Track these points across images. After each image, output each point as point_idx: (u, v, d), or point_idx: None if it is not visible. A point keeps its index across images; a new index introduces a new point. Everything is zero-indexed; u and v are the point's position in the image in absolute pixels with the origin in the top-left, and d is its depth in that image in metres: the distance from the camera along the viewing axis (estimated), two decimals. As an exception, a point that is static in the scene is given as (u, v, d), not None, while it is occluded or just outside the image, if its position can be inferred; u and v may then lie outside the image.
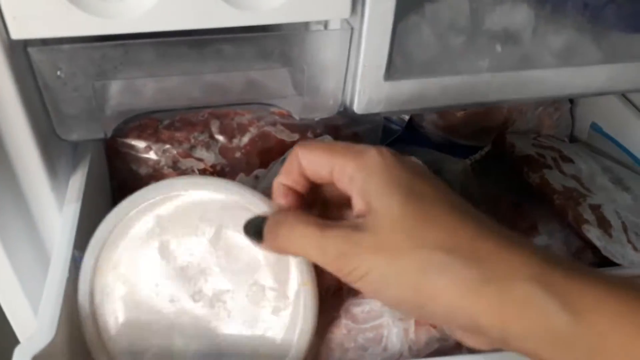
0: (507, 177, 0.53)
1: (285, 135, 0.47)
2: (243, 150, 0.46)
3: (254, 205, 0.32)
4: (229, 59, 0.35)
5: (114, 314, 0.33)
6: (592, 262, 0.46)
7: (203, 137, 0.46)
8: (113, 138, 0.43)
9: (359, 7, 0.34)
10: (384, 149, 0.27)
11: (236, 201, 0.33)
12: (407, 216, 0.24)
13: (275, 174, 0.31)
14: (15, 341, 0.35)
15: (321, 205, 0.31)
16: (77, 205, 0.36)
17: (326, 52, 0.36)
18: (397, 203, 0.25)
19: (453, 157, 0.51)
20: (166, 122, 0.45)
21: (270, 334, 0.33)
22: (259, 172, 0.46)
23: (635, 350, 0.21)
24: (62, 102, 0.34)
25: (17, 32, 0.29)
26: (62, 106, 0.34)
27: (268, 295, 0.33)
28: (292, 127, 0.48)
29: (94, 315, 0.33)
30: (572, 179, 0.51)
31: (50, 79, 0.32)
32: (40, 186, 0.36)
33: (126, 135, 0.44)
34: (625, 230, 0.47)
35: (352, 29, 0.35)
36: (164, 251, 0.33)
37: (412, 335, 0.33)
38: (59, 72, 0.32)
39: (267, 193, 0.32)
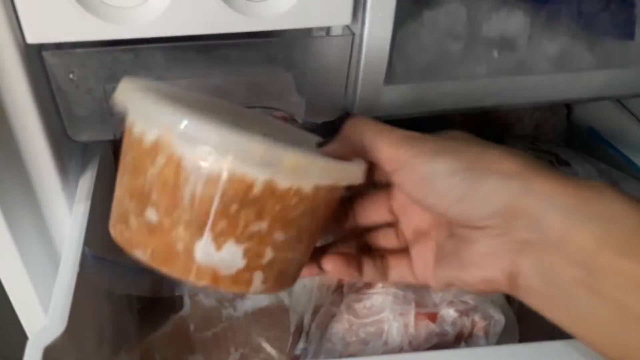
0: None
1: (288, 138, 0.48)
2: (247, 153, 0.47)
3: None
4: (234, 64, 0.36)
5: None
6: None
7: (208, 140, 0.46)
8: (122, 139, 0.44)
9: (359, 14, 0.35)
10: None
11: None
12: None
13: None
14: (24, 338, 0.36)
15: (357, 232, 0.32)
16: (86, 204, 0.37)
17: (328, 57, 0.37)
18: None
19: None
20: (172, 125, 0.46)
21: None
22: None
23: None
24: (73, 104, 0.35)
25: (33, 36, 0.31)
26: (73, 108, 0.35)
27: None
28: (294, 131, 0.49)
29: None
30: (568, 182, 0.52)
31: (63, 81, 0.34)
32: (51, 185, 0.37)
33: (133, 138, 0.45)
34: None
35: (353, 34, 0.36)
36: None
37: (412, 329, 0.34)
38: (71, 75, 0.34)
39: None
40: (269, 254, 0.25)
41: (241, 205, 0.24)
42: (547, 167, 0.24)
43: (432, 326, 0.34)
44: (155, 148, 0.24)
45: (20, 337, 0.37)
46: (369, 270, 0.30)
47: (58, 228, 0.39)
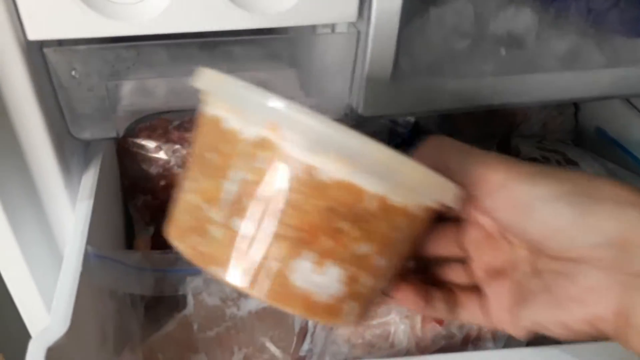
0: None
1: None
2: (251, 151, 0.47)
3: None
4: (238, 60, 0.36)
5: None
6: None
7: (212, 138, 0.46)
8: (124, 138, 0.44)
9: (365, 11, 0.34)
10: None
11: None
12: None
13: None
14: (27, 337, 0.36)
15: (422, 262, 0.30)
16: (89, 202, 0.37)
17: (333, 55, 0.37)
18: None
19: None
20: (176, 122, 0.46)
21: None
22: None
23: None
24: (76, 101, 0.35)
25: (34, 33, 0.30)
26: (76, 105, 0.35)
27: None
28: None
29: None
30: (575, 182, 0.51)
31: (65, 78, 0.33)
32: (54, 183, 0.36)
33: (137, 135, 0.44)
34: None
35: (358, 32, 0.36)
36: None
37: (418, 332, 0.34)
38: (73, 72, 0.33)
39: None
40: (365, 281, 0.22)
41: (348, 221, 0.21)
42: None
43: (439, 329, 0.34)
44: (256, 148, 0.21)
45: (23, 336, 0.36)
46: (439, 304, 0.28)
47: (60, 226, 0.39)
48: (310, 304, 0.22)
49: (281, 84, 0.38)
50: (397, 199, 0.21)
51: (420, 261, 0.29)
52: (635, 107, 0.57)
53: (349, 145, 0.20)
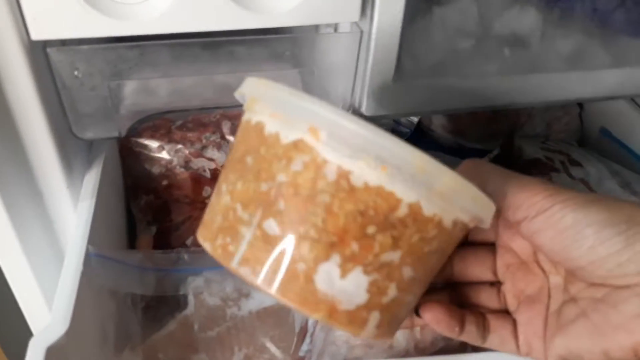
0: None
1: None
2: (253, 151, 0.47)
3: None
4: (241, 60, 0.36)
5: None
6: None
7: (214, 138, 0.46)
8: (127, 137, 0.44)
9: (368, 11, 0.34)
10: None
11: None
12: None
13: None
14: (29, 335, 0.36)
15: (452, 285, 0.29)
16: (91, 202, 0.37)
17: (336, 55, 0.37)
18: None
19: (461, 160, 0.52)
20: (179, 122, 0.46)
21: None
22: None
23: None
24: (78, 101, 0.35)
25: (37, 33, 0.30)
26: (78, 105, 0.35)
27: None
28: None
29: None
30: (580, 183, 0.51)
31: (68, 78, 0.33)
32: (56, 183, 0.36)
33: (140, 135, 0.44)
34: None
35: (361, 32, 0.35)
36: None
37: (417, 334, 0.34)
38: (76, 72, 0.33)
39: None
40: (392, 292, 0.22)
41: (379, 228, 0.21)
42: None
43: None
44: (294, 151, 0.21)
45: (25, 334, 0.36)
46: (471, 327, 0.27)
47: (63, 226, 0.39)
48: (334, 311, 0.22)
49: (284, 83, 0.38)
50: (432, 209, 0.21)
51: (448, 283, 0.29)
52: (640, 108, 0.57)
53: (388, 151, 0.20)
